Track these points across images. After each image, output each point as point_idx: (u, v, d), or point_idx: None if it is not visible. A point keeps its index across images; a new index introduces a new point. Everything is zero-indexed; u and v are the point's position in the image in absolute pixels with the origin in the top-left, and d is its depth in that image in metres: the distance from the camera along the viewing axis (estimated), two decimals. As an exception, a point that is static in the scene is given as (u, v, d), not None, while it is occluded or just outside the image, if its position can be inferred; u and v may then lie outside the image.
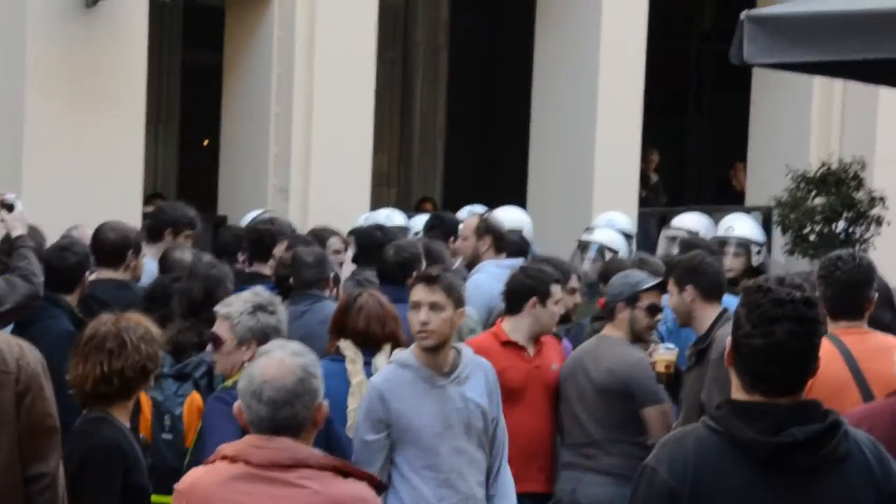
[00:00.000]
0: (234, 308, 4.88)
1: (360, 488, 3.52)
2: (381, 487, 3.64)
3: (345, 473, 3.53)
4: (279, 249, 7.21)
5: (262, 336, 4.76)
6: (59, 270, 6.08)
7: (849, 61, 8.10)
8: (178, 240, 7.27)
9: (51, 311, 5.93)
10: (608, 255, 8.36)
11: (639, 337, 6.18)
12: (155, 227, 7.34)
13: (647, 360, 6.00)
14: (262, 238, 7.32)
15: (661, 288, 6.16)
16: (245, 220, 8.35)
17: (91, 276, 6.39)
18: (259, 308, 4.86)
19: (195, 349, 5.49)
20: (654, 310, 6.15)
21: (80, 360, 4.46)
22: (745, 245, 8.28)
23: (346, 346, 5.47)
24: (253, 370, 3.58)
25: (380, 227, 7.89)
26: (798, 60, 7.79)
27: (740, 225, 8.78)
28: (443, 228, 8.26)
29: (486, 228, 7.95)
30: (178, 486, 3.58)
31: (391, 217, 8.86)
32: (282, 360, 3.56)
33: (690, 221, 8.95)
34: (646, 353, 6.05)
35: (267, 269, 7.14)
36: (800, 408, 3.16)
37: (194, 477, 3.57)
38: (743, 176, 14.25)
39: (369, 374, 5.36)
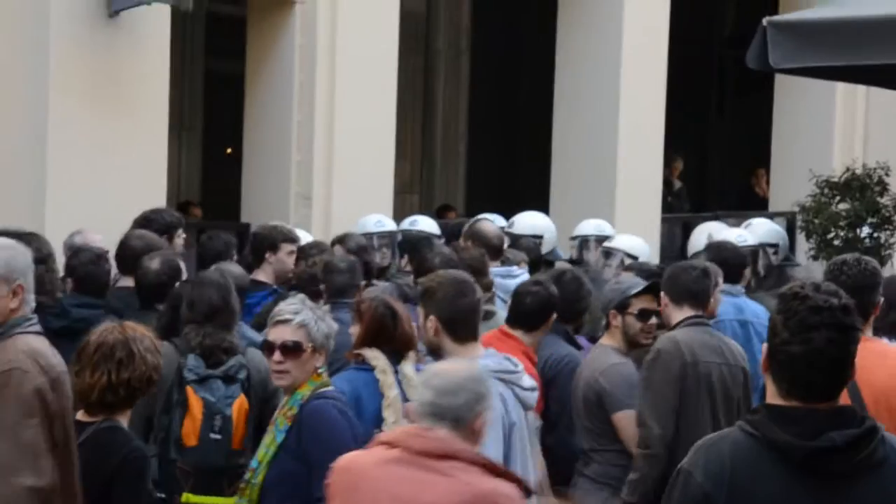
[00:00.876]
0: (305, 316, 4.80)
1: (507, 487, 3.67)
2: (528, 492, 3.76)
3: (496, 473, 3.71)
4: (283, 255, 7.27)
5: (328, 343, 4.76)
6: (96, 277, 6.16)
7: (872, 67, 8.11)
8: (176, 242, 7.35)
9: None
10: (627, 262, 8.38)
11: (634, 343, 6.14)
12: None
13: (622, 365, 6.02)
14: (262, 244, 7.36)
15: (652, 292, 6.13)
16: None
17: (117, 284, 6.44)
18: (323, 314, 4.88)
19: (223, 353, 5.51)
20: (645, 314, 6.11)
21: (87, 369, 4.45)
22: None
23: (375, 356, 5.22)
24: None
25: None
26: (823, 65, 7.79)
27: (753, 228, 8.81)
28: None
29: (469, 235, 7.90)
30: (335, 463, 3.81)
31: (382, 223, 8.84)
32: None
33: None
34: (628, 359, 6.06)
35: (263, 275, 7.18)
36: (837, 413, 3.16)
37: (351, 457, 3.81)
38: (765, 182, 14.22)
39: (399, 381, 5.21)
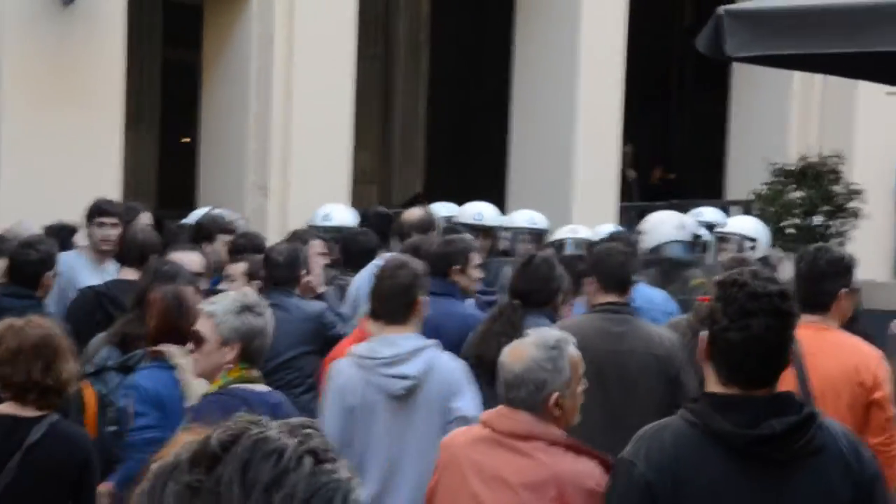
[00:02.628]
0: (220, 306, 4.70)
1: (589, 465, 3.90)
2: (609, 467, 3.82)
3: (578, 452, 3.94)
4: (218, 246, 7.26)
5: (248, 337, 4.61)
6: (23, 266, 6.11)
7: (828, 55, 8.13)
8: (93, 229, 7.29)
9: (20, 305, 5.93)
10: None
11: None
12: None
13: None
14: (199, 232, 7.35)
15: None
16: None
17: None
18: (246, 308, 4.68)
19: (142, 341, 5.43)
20: None
21: (17, 365, 4.42)
22: (737, 241, 8.34)
23: (174, 354, 5.02)
24: (505, 349, 4.10)
25: (364, 232, 7.86)
26: (778, 53, 7.81)
27: (733, 220, 8.83)
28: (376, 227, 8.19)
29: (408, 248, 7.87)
30: (443, 441, 4.20)
31: (329, 216, 8.77)
32: (523, 346, 4.05)
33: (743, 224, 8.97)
34: None
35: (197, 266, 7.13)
36: (776, 400, 3.17)
37: (452, 435, 4.20)
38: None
39: None
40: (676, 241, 8.36)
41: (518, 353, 4.06)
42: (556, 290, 6.55)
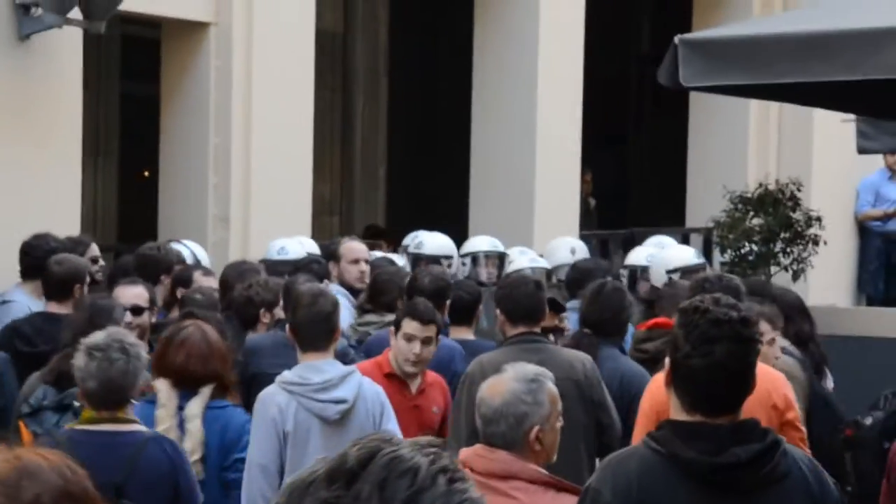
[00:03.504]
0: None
1: (570, 502, 3.78)
2: None
3: (557, 488, 3.85)
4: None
5: (81, 380, 4.58)
6: None
7: (783, 84, 8.20)
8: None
9: None
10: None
11: None
12: (28, 265, 7.33)
13: None
14: (146, 265, 7.31)
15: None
16: None
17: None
18: (92, 350, 4.59)
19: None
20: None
21: None
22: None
23: (161, 388, 5.14)
24: (483, 385, 4.04)
25: (317, 261, 7.87)
26: (733, 83, 7.87)
27: (634, 253, 9.12)
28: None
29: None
30: None
31: (285, 249, 8.77)
32: (500, 381, 3.98)
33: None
34: None
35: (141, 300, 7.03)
36: (740, 428, 3.19)
37: None
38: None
39: (181, 421, 5.11)
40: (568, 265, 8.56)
41: (497, 388, 3.98)
42: (626, 320, 6.57)
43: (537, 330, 5.92)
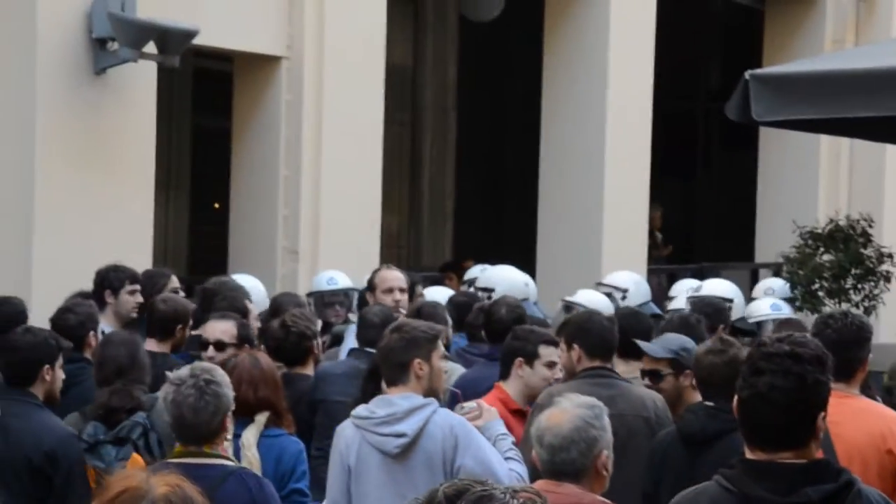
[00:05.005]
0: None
1: None
2: None
3: None
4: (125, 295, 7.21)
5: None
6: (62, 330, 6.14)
7: (854, 120, 8.13)
8: (123, 296, 7.33)
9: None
10: None
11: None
12: (95, 293, 7.37)
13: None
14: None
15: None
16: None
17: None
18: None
19: (126, 412, 5.48)
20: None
21: None
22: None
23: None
24: (540, 417, 3.94)
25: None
26: (805, 118, 7.82)
27: (709, 284, 8.98)
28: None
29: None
30: None
31: (334, 280, 8.78)
32: (564, 409, 3.89)
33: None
34: None
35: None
36: (812, 467, 3.16)
37: None
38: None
39: (237, 449, 5.10)
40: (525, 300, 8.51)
41: (562, 416, 3.90)
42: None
43: (609, 365, 5.91)
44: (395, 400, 4.97)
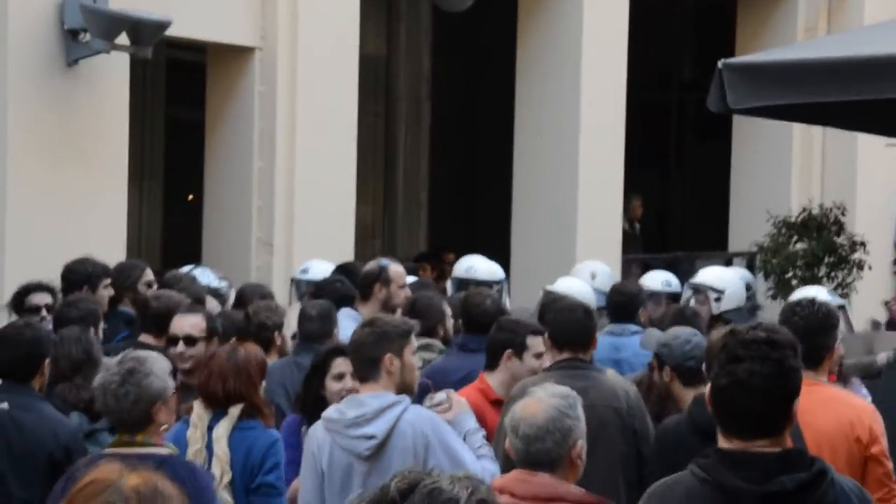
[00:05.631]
0: None
1: None
2: None
3: None
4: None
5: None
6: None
7: (827, 107, 8.17)
8: (101, 293, 7.33)
9: None
10: None
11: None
12: (68, 288, 7.35)
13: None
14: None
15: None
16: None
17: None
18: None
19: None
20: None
21: None
22: (703, 292, 8.34)
23: (196, 407, 5.14)
24: (515, 408, 3.92)
25: (340, 280, 7.85)
26: (780, 103, 7.85)
27: (703, 272, 8.82)
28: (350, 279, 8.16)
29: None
30: None
31: (307, 270, 8.77)
32: (539, 399, 3.88)
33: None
34: None
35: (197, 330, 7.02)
36: (786, 456, 3.17)
37: None
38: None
39: (210, 442, 5.09)
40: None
41: (537, 406, 3.90)
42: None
43: (583, 356, 5.86)
44: (366, 399, 4.90)
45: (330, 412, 4.96)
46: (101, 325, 6.73)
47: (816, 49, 8.81)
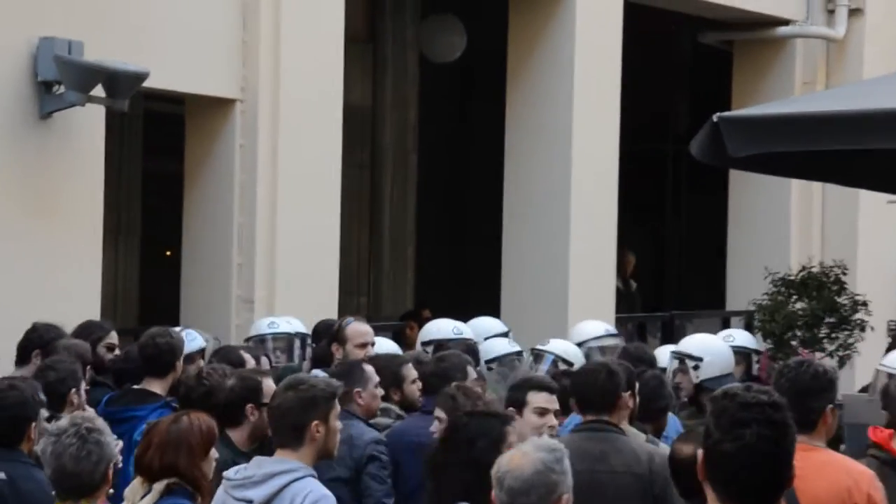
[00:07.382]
0: None
1: None
2: None
3: None
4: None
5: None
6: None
7: (828, 161, 8.16)
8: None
9: None
10: (562, 367, 8.22)
11: None
12: (23, 348, 7.27)
13: None
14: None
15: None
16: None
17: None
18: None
19: None
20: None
21: None
22: (683, 360, 8.07)
23: (134, 481, 4.81)
24: (501, 460, 3.96)
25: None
26: (780, 150, 7.85)
27: (685, 340, 8.57)
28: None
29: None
30: None
31: (275, 324, 8.73)
32: (524, 452, 3.93)
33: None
34: None
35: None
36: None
37: None
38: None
39: None
40: None
41: (523, 459, 3.90)
42: (662, 409, 6.76)
43: (608, 418, 5.83)
44: (265, 462, 4.80)
45: (230, 472, 4.88)
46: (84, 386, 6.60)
47: (815, 103, 8.81)
